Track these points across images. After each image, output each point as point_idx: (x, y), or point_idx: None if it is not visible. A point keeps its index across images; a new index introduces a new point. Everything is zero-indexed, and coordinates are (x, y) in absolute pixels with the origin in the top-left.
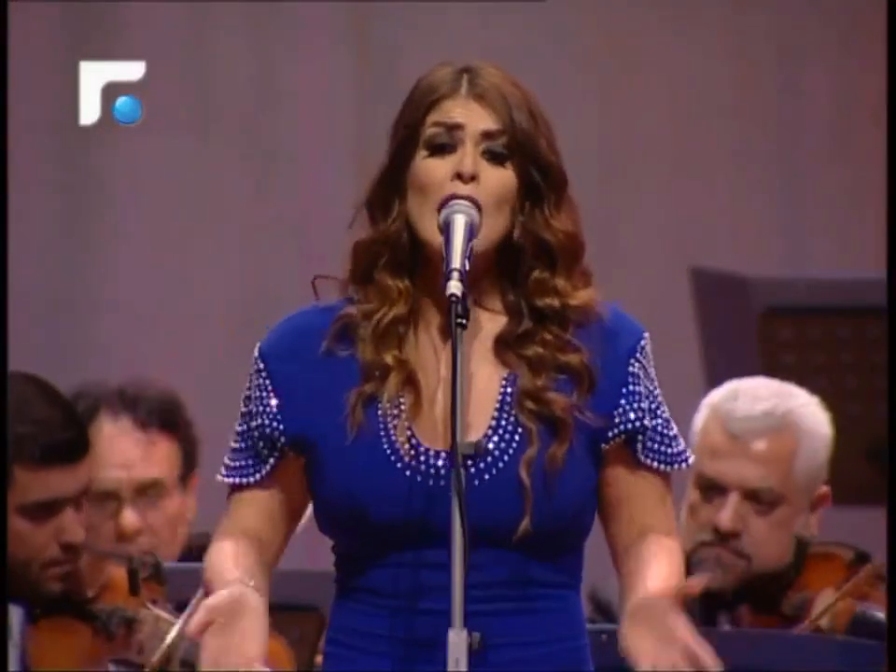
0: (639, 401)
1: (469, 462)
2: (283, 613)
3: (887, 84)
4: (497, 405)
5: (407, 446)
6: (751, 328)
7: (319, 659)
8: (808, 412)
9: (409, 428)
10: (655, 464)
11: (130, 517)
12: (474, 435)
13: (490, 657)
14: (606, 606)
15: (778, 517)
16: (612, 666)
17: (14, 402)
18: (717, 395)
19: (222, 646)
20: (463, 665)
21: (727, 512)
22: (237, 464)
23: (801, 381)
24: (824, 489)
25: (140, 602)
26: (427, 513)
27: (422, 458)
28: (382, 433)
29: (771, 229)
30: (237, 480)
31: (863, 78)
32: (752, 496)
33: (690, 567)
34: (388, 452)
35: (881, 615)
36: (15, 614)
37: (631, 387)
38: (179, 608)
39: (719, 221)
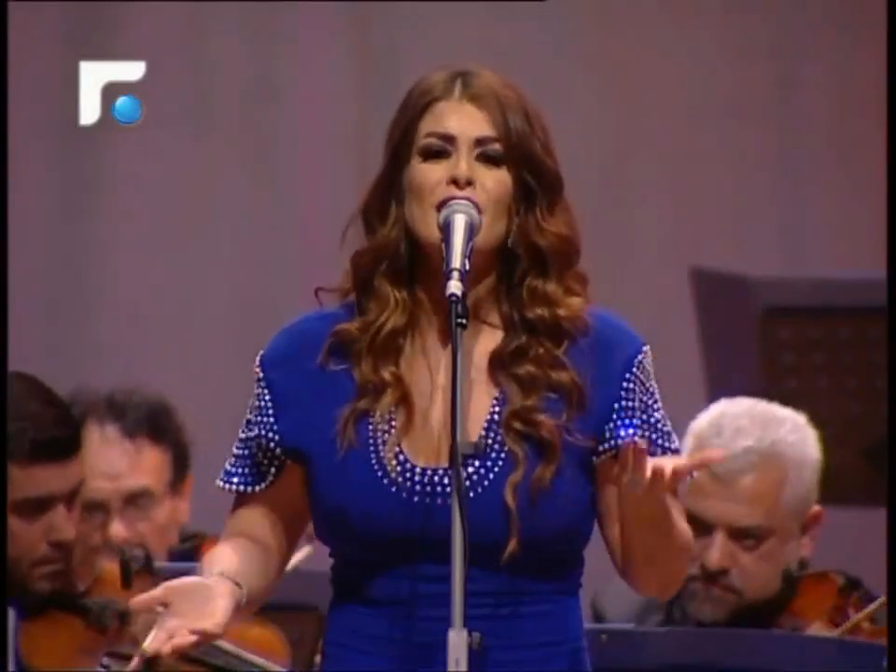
0: (631, 416)
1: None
2: (283, 613)
3: (887, 84)
4: (486, 425)
5: (395, 463)
6: (751, 328)
7: (319, 659)
8: (794, 439)
9: (398, 445)
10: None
11: (117, 528)
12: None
13: (485, 659)
14: (601, 615)
15: (767, 549)
16: (612, 666)
17: (8, 400)
18: (700, 424)
19: (177, 624)
20: (463, 665)
21: (715, 552)
22: (237, 471)
23: (801, 381)
24: (816, 509)
25: (132, 595)
26: (416, 530)
27: (407, 475)
28: (371, 449)
29: (771, 229)
30: (237, 487)
31: (863, 78)
32: (739, 533)
33: (680, 598)
34: (377, 468)
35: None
36: (7, 612)
37: (624, 402)
38: None
39: (719, 221)
